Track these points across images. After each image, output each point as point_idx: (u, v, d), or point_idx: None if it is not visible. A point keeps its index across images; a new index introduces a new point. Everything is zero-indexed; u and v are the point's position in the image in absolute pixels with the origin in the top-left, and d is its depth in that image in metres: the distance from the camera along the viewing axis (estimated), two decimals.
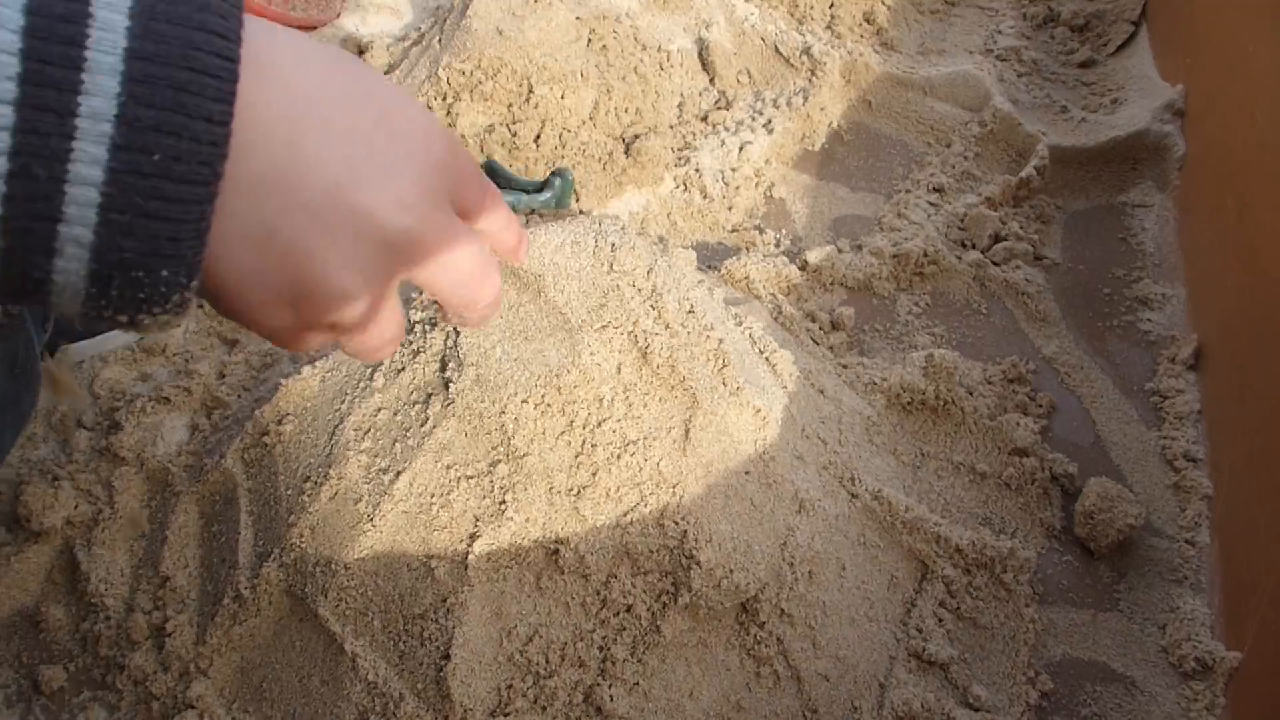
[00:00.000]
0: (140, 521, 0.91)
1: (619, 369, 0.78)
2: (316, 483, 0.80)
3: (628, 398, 0.78)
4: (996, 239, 1.25)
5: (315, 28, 1.45)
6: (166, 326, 0.37)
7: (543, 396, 0.76)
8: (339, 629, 0.78)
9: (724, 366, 0.82)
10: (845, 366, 1.08)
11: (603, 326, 0.77)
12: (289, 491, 0.82)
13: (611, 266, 0.79)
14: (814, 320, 1.13)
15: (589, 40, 1.26)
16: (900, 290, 1.20)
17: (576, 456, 0.77)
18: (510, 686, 0.77)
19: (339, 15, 1.47)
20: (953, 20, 1.61)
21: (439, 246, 0.42)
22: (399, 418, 0.81)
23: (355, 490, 0.79)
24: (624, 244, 0.80)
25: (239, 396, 1.02)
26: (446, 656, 0.75)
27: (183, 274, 0.36)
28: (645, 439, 0.78)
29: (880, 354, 1.13)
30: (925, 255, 1.20)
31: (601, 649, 0.78)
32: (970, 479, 1.02)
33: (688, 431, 0.79)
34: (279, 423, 0.86)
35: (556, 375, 0.76)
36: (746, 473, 0.82)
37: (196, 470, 0.93)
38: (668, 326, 0.80)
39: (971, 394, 1.07)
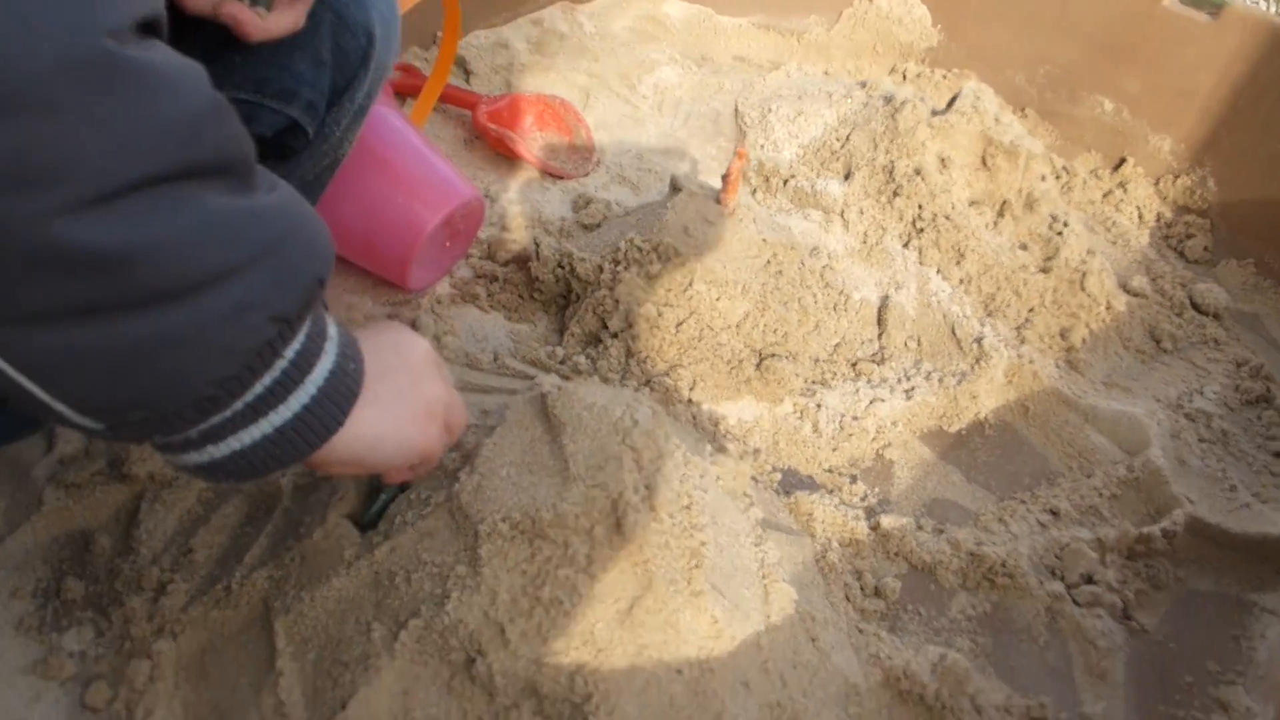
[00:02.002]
0: (203, 499, 1.06)
1: (593, 528, 0.84)
2: (320, 519, 0.91)
3: (590, 555, 0.84)
4: (1088, 580, 1.21)
5: (564, 179, 1.65)
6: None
7: (517, 523, 0.84)
8: (282, 646, 0.88)
9: (696, 567, 0.87)
10: (861, 631, 1.07)
11: (593, 485, 0.85)
12: (305, 518, 0.94)
13: (624, 439, 0.87)
14: (859, 579, 1.14)
15: (768, 262, 1.36)
16: (963, 588, 1.18)
17: (524, 587, 0.83)
18: None
19: (587, 175, 1.67)
20: (1155, 367, 1.58)
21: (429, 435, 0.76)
22: (411, 494, 0.91)
23: (348, 538, 0.90)
24: (644, 425, 0.88)
25: None
26: (344, 707, 0.82)
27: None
28: (592, 598, 0.84)
29: (910, 637, 1.12)
30: (1004, 565, 1.18)
31: None
32: None
33: (632, 608, 0.84)
34: None
35: (538, 509, 0.84)
36: (679, 672, 0.85)
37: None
38: (653, 509, 0.86)
39: (979, 712, 1.03)
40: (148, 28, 0.51)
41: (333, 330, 0.66)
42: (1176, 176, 1.89)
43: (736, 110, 1.88)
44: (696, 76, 1.97)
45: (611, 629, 0.84)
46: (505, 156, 1.66)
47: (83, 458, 1.08)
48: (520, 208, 1.55)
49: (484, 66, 1.83)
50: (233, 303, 0.54)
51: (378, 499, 0.95)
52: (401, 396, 0.73)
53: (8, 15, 0.43)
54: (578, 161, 1.68)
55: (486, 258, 1.43)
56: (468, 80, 1.81)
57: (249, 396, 0.58)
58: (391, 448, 0.72)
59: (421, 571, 0.86)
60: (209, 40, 0.83)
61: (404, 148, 1.31)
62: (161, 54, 0.51)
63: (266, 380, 0.59)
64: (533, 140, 1.69)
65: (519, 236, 1.44)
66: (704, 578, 0.87)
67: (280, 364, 0.59)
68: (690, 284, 1.28)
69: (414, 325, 1.30)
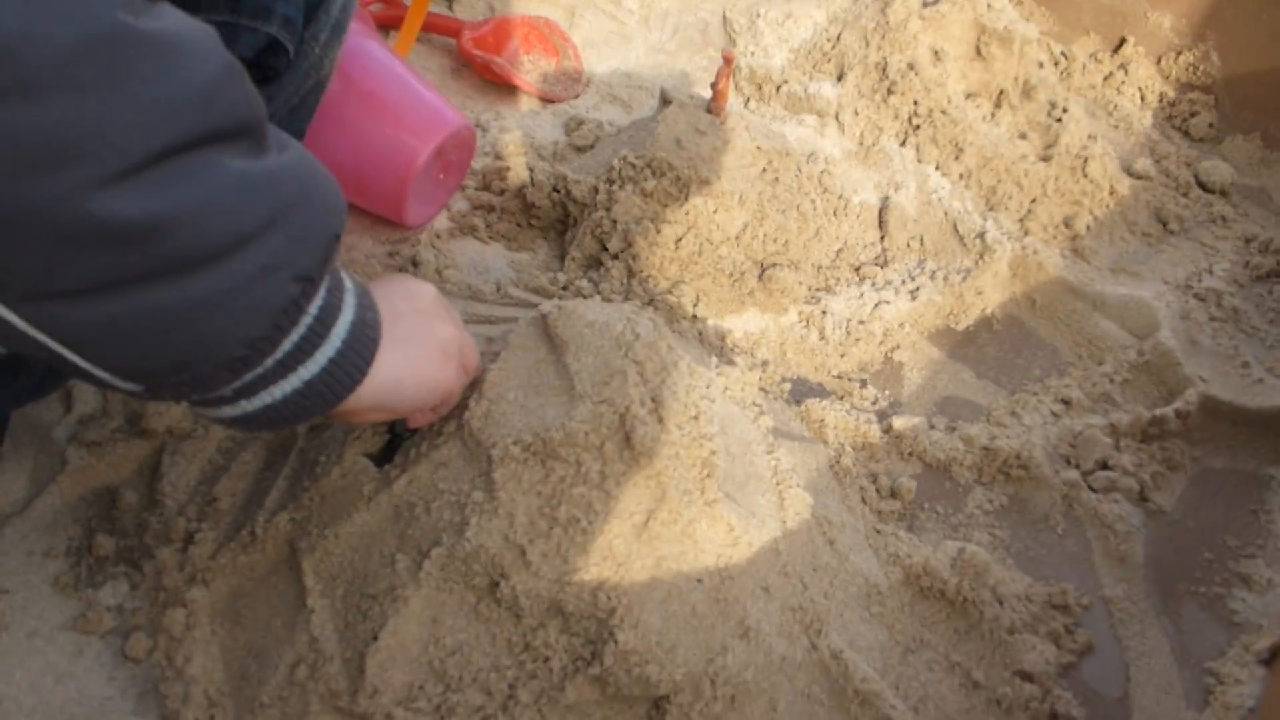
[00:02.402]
0: (222, 449, 1.07)
1: (603, 444, 0.85)
2: (337, 458, 0.92)
3: (603, 471, 0.85)
4: (1103, 465, 1.21)
5: (555, 102, 1.63)
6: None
7: (529, 445, 0.84)
8: (311, 584, 0.89)
9: (708, 476, 0.87)
10: (879, 532, 1.08)
11: (600, 401, 0.85)
12: (321, 458, 0.95)
13: (627, 352, 0.87)
14: (874, 481, 1.15)
15: (764, 170, 1.35)
16: (978, 483, 1.19)
17: (540, 508, 0.84)
18: (421, 687, 0.84)
19: (577, 96, 1.64)
20: (1163, 248, 1.56)
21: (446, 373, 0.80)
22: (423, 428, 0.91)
23: (366, 474, 0.91)
24: (646, 337, 0.88)
25: None
26: (375, 638, 0.84)
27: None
28: (607, 514, 0.84)
29: (928, 535, 1.13)
30: (1017, 458, 1.19)
31: (510, 686, 0.84)
32: (961, 683, 1.00)
33: (649, 521, 0.85)
34: None
35: (547, 429, 0.84)
36: (699, 581, 0.86)
37: None
38: (661, 421, 0.86)
39: (1001, 603, 1.05)
40: None
41: (349, 282, 0.68)
42: (1179, 53, 1.85)
43: (724, 18, 1.84)
44: None
45: (629, 543, 0.85)
46: (493, 83, 1.64)
47: (101, 416, 1.09)
48: (512, 134, 1.53)
49: None
50: (258, 265, 0.56)
51: (392, 435, 0.96)
52: (416, 339, 0.75)
53: (34, 5, 0.44)
54: (567, 83, 1.66)
55: (482, 188, 1.42)
56: (450, 7, 1.78)
57: (279, 354, 0.61)
58: (413, 389, 0.75)
59: (439, 500, 0.86)
60: None
61: (389, 79, 1.29)
62: (173, 20, 0.52)
63: (294, 337, 0.61)
64: (520, 64, 1.66)
65: (513, 164, 1.43)
66: (717, 486, 0.88)
67: (306, 320, 0.62)
68: (686, 198, 1.27)
69: (414, 261, 1.29)
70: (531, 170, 1.35)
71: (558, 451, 0.84)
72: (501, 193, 1.41)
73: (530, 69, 1.67)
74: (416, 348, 0.76)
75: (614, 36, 1.79)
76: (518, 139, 1.50)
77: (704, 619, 0.86)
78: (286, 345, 0.61)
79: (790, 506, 0.97)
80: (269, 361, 0.61)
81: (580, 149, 1.47)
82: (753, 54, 1.72)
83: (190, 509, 1.01)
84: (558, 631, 0.84)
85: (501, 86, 1.64)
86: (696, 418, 0.89)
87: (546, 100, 1.63)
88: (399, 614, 0.84)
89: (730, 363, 1.20)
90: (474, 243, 1.37)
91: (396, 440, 0.96)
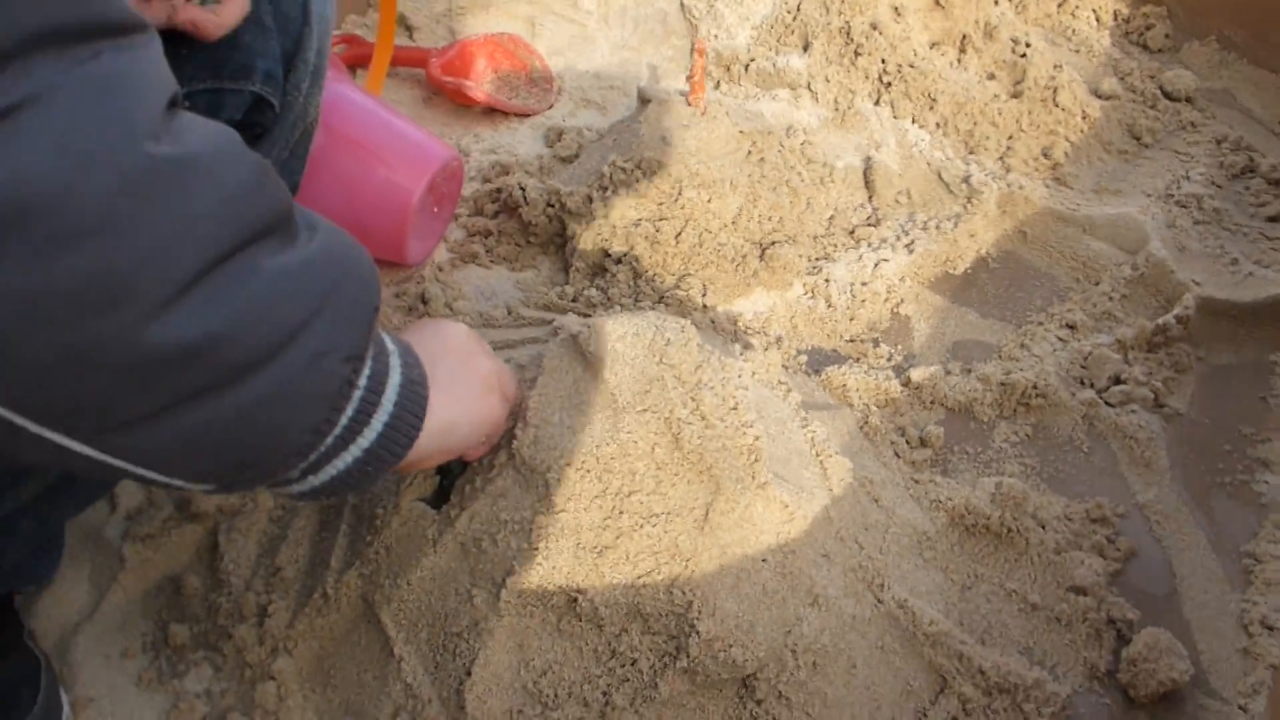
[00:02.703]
0: (274, 518, 1.10)
1: (653, 449, 0.89)
2: (394, 507, 0.96)
3: (658, 475, 0.89)
4: (1117, 380, 1.26)
5: (529, 115, 1.66)
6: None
7: (584, 462, 0.89)
8: (394, 634, 0.94)
9: (755, 461, 0.92)
10: (917, 481, 1.13)
11: (643, 410, 0.89)
12: (377, 510, 0.99)
13: (661, 359, 0.91)
14: (903, 434, 1.19)
15: (749, 152, 1.39)
16: (1001, 418, 1.24)
17: (605, 519, 0.89)
18: (520, 711, 0.89)
19: (551, 106, 1.68)
20: (1140, 162, 1.61)
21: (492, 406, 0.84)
22: (474, 462, 0.96)
23: (426, 518, 0.95)
24: (678, 341, 0.92)
25: None
26: (469, 673, 0.88)
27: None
28: (668, 514, 0.89)
29: (963, 475, 1.17)
30: (1035, 387, 1.23)
31: (604, 694, 0.89)
32: (1020, 608, 1.05)
33: (708, 514, 0.89)
34: None
35: (598, 446, 0.89)
36: (764, 560, 0.91)
37: None
38: (704, 418, 0.90)
39: (1043, 527, 1.10)
40: (170, 103, 0.53)
41: (390, 342, 0.71)
42: None
43: (682, 5, 1.87)
44: None
45: (693, 538, 0.89)
46: (467, 106, 1.67)
47: (148, 508, 1.12)
48: (495, 155, 1.57)
49: (424, 19, 1.82)
50: (309, 355, 0.58)
51: (442, 477, 0.99)
52: (459, 378, 0.79)
53: (55, 149, 0.46)
54: (539, 94, 1.69)
55: (476, 214, 1.46)
56: (411, 37, 1.81)
57: (337, 430, 0.63)
58: (466, 428, 0.78)
59: (504, 530, 0.91)
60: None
61: (370, 122, 1.32)
62: (196, 133, 0.54)
63: (349, 411, 0.64)
64: (490, 83, 1.69)
65: (502, 185, 1.46)
66: (765, 469, 0.92)
67: (357, 393, 0.64)
68: (680, 192, 1.31)
69: (423, 298, 1.33)
70: (524, 188, 1.38)
71: (611, 464, 0.89)
72: (496, 215, 1.44)
73: (501, 86, 1.70)
74: (462, 387, 0.80)
75: (577, 40, 1.82)
76: (502, 158, 1.54)
77: (775, 595, 0.91)
78: (344, 421, 0.64)
79: (833, 474, 1.02)
80: (329, 440, 0.63)
81: (565, 159, 1.50)
82: (716, 36, 1.75)
83: (256, 582, 1.05)
84: (640, 633, 0.89)
85: (476, 108, 1.67)
86: (735, 408, 0.93)
87: (522, 114, 1.66)
88: (486, 646, 0.89)
89: (748, 345, 1.25)
90: (477, 269, 1.41)
91: (448, 481, 0.99)
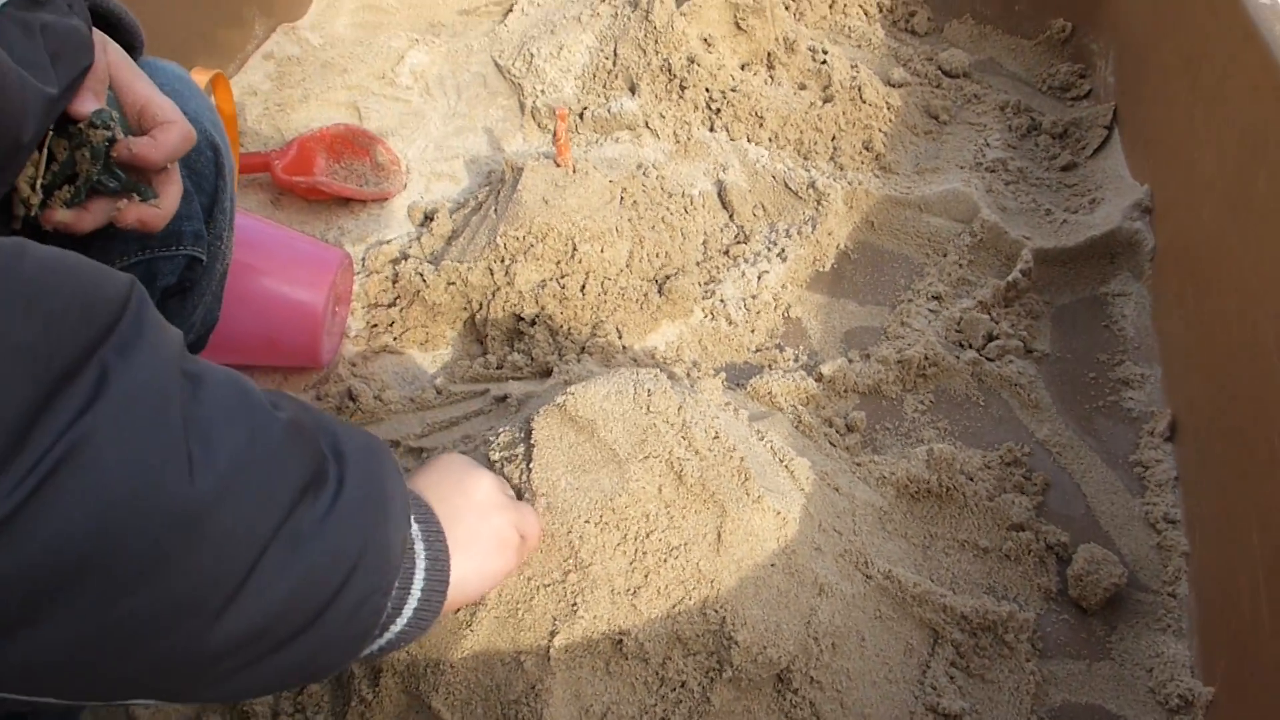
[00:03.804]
0: None
1: (660, 490, 0.97)
2: None
3: (669, 512, 0.97)
4: (990, 338, 1.43)
5: (385, 199, 1.70)
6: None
7: (601, 516, 0.95)
8: (449, 717, 0.97)
9: (746, 480, 1.01)
10: (859, 464, 1.25)
11: (644, 458, 0.97)
12: None
13: (648, 409, 0.99)
14: (831, 425, 1.32)
15: (621, 198, 1.48)
16: (906, 391, 1.38)
17: (631, 563, 0.96)
18: None
19: (404, 187, 1.71)
20: (944, 138, 1.81)
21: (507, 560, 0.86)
22: None
23: None
24: (658, 389, 1.00)
25: None
26: None
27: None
28: (685, 545, 0.97)
29: (891, 450, 1.31)
30: (926, 359, 1.39)
31: (663, 719, 0.96)
32: (974, 554, 1.19)
33: (720, 536, 0.98)
34: None
35: (610, 499, 0.96)
36: (772, 565, 1.00)
37: None
38: (697, 452, 0.99)
39: (972, 479, 1.24)
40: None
41: (414, 528, 0.73)
42: None
43: (497, 66, 1.94)
44: (441, 47, 2.01)
45: (711, 560, 0.97)
46: (321, 199, 1.68)
47: None
48: (368, 245, 1.59)
49: (249, 122, 1.81)
50: (353, 603, 0.62)
51: None
52: (478, 539, 0.82)
53: (109, 504, 0.47)
54: (389, 177, 1.72)
55: (374, 305, 1.48)
56: (240, 142, 1.79)
57: (375, 632, 0.68)
58: (476, 585, 0.82)
59: (538, 596, 0.96)
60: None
61: (259, 238, 1.34)
62: (221, 440, 0.54)
63: (383, 618, 0.68)
64: (336, 175, 1.71)
65: (389, 273, 1.49)
66: (756, 485, 1.02)
67: (391, 600, 0.68)
68: (574, 248, 1.39)
69: (350, 395, 1.35)
70: (421, 275, 1.42)
71: (626, 512, 0.96)
72: (394, 303, 1.47)
73: (349, 176, 1.72)
74: (479, 547, 0.83)
75: (406, 117, 1.86)
76: (377, 248, 1.57)
77: (788, 594, 1.00)
78: (379, 632, 0.69)
79: (799, 475, 1.12)
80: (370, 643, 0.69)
81: (446, 237, 1.55)
82: (542, 92, 1.83)
83: (284, 706, 1.06)
84: (683, 656, 0.97)
85: (329, 201, 1.68)
86: (717, 436, 1.02)
87: (379, 200, 1.69)
88: (548, 704, 0.94)
89: (673, 376, 1.34)
90: (390, 357, 1.43)
91: None
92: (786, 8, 2.05)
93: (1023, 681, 1.08)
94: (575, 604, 0.95)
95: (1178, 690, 1.06)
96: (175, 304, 1.01)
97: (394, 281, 1.47)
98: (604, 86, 1.79)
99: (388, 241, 1.59)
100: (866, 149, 1.72)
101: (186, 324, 1.04)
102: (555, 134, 1.42)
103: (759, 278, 1.48)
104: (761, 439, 1.15)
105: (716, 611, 0.96)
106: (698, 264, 1.51)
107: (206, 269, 1.01)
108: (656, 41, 1.73)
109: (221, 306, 1.14)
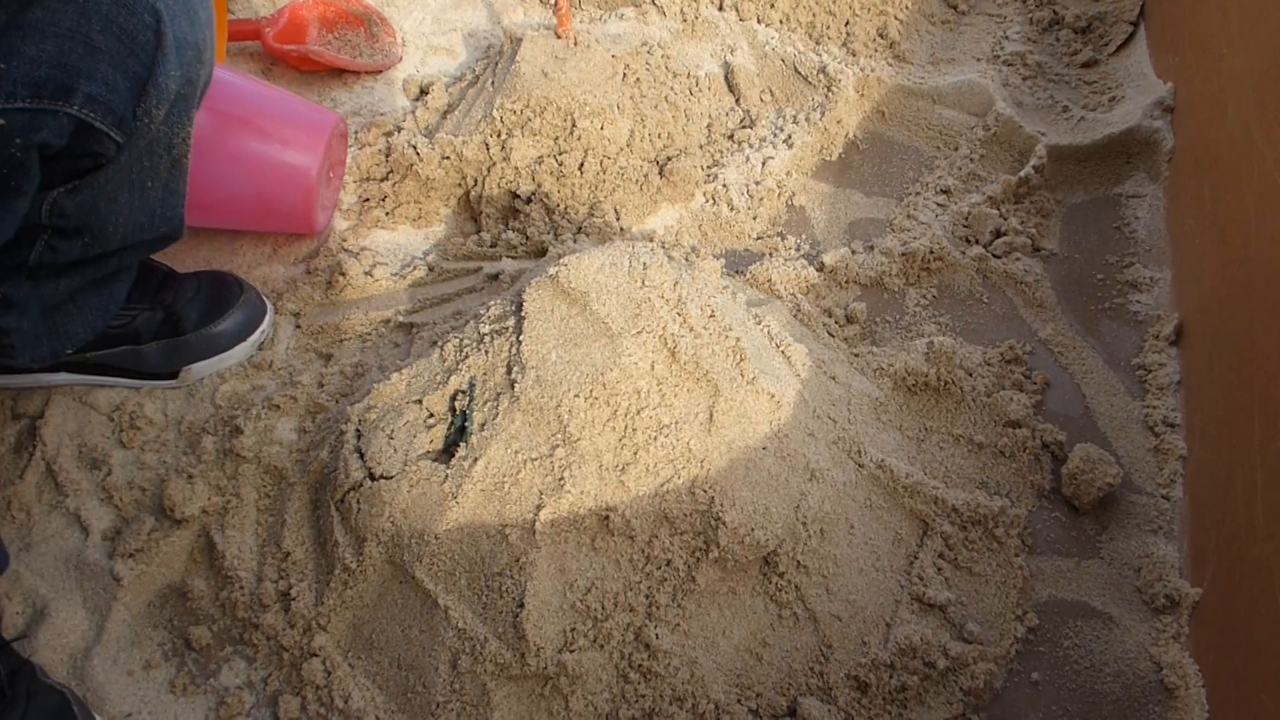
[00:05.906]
0: (262, 507, 1.10)
1: (652, 366, 0.94)
2: (401, 472, 0.98)
3: (661, 390, 0.94)
4: (998, 234, 1.39)
5: (380, 72, 1.63)
6: None
7: (591, 391, 0.93)
8: (433, 587, 0.96)
9: (741, 360, 0.99)
10: (857, 355, 1.23)
11: (638, 332, 0.94)
12: (380, 482, 1.00)
13: (643, 282, 0.96)
14: (830, 315, 1.29)
15: (624, 75, 1.42)
16: (909, 285, 1.35)
17: (620, 439, 0.94)
18: (574, 628, 0.94)
19: (400, 60, 1.65)
20: (962, 29, 1.74)
21: None
22: (472, 415, 0.98)
23: (436, 475, 0.97)
24: (654, 263, 0.97)
25: (336, 402, 1.21)
26: (521, 605, 0.93)
27: None
28: (676, 423, 0.95)
29: (890, 342, 1.28)
30: (931, 252, 1.35)
31: (647, 596, 0.95)
32: (969, 449, 1.17)
33: (712, 416, 0.96)
34: (368, 411, 1.04)
35: (601, 373, 0.93)
36: (764, 448, 0.99)
37: (305, 464, 1.11)
38: (692, 330, 0.96)
39: (971, 374, 1.22)
40: None
41: None
42: None
43: None
44: None
45: (702, 440, 0.95)
46: (314, 70, 1.62)
47: (126, 525, 1.09)
48: (362, 118, 1.54)
49: None
50: None
51: (454, 424, 1.01)
52: None
53: None
54: (384, 50, 1.66)
55: (366, 179, 1.44)
56: (231, 9, 1.72)
57: None
58: None
59: (525, 470, 0.94)
60: None
61: (253, 98, 1.29)
62: None
63: None
64: (330, 44, 1.65)
65: (382, 146, 1.45)
66: (751, 366, 0.99)
67: None
68: (573, 124, 1.34)
69: (341, 270, 1.31)
70: (415, 147, 1.38)
71: (617, 387, 0.94)
72: (387, 177, 1.43)
73: (343, 46, 1.65)
74: None
75: None
76: (370, 120, 1.51)
77: (778, 477, 0.99)
78: None
79: (795, 361, 1.10)
80: None
81: (442, 111, 1.49)
82: None
83: (268, 571, 1.05)
84: (670, 535, 0.95)
85: (323, 72, 1.63)
86: (713, 315, 0.99)
87: (373, 72, 1.63)
88: (532, 577, 0.93)
89: (671, 259, 1.30)
90: (382, 233, 1.40)
91: (451, 440, 1.01)
92: None
93: (1010, 576, 1.07)
94: (562, 479, 0.93)
95: (1165, 590, 1.06)
96: (91, 182, 0.91)
97: (387, 155, 1.43)
98: None
99: (382, 115, 1.53)
100: (881, 36, 1.65)
101: (113, 207, 0.95)
102: (556, 2, 1.35)
103: (763, 164, 1.44)
104: (759, 323, 1.12)
105: (705, 491, 0.94)
106: (701, 147, 1.46)
107: (128, 148, 0.92)
108: None
109: (185, 201, 1.07)
